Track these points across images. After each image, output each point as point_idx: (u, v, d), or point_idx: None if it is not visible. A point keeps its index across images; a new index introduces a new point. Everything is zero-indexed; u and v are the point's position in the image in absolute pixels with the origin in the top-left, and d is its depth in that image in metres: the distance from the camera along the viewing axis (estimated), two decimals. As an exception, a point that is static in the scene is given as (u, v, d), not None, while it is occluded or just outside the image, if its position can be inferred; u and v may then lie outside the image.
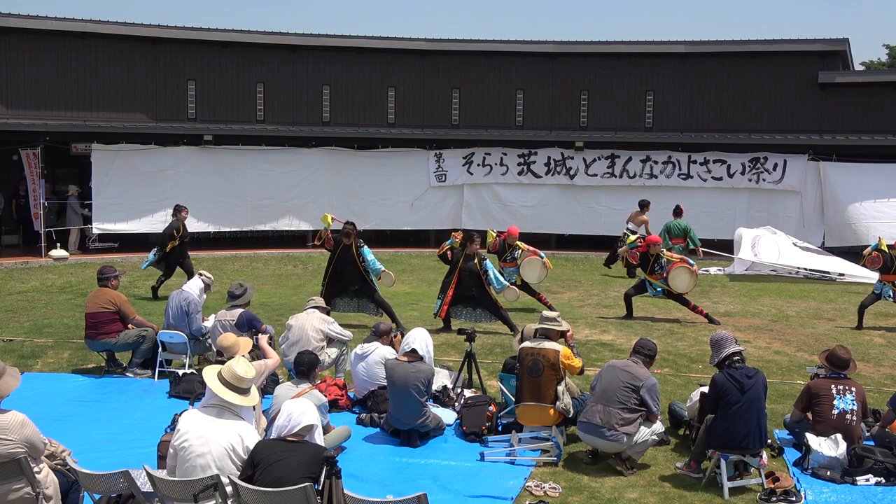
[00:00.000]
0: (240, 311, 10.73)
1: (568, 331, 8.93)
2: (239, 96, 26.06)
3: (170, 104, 25.54)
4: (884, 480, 7.65)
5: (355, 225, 14.08)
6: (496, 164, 25.28)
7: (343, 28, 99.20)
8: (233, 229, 24.68)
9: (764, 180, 24.11)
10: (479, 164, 25.31)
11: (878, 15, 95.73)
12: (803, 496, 7.32)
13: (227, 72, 26.01)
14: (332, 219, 14.11)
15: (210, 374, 6.42)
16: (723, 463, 7.44)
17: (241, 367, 6.43)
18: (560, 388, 8.41)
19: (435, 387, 9.38)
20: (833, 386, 8.26)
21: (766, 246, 20.38)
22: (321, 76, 26.57)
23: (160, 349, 11.02)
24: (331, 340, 10.48)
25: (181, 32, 25.58)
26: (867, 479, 7.65)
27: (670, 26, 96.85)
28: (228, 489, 5.85)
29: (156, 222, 23.08)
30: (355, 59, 26.65)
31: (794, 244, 20.61)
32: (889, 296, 14.61)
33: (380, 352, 9.64)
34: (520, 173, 25.26)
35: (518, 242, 15.42)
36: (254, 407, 6.96)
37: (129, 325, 11.16)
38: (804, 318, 15.43)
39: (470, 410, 8.94)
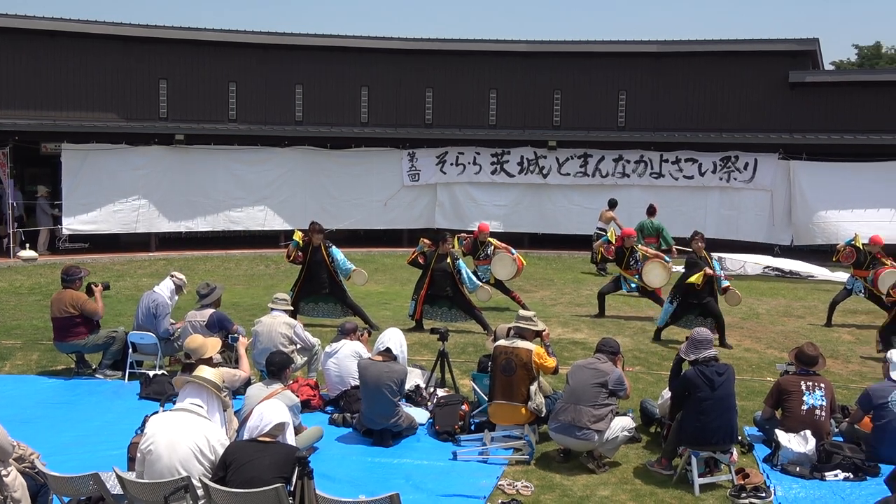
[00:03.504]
0: (210, 311, 10.67)
1: (544, 330, 8.95)
2: (211, 95, 25.92)
3: (141, 103, 25.35)
4: (852, 476, 7.73)
5: (321, 224, 14.08)
6: (469, 163, 25.32)
7: (316, 27, 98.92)
8: (204, 229, 24.53)
9: (735, 179, 24.30)
10: (452, 164, 25.33)
11: (847, 15, 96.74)
12: (773, 492, 7.38)
13: (198, 71, 25.86)
14: (303, 238, 14.01)
15: (180, 382, 6.48)
16: (693, 460, 7.50)
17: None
18: (532, 388, 8.43)
19: (408, 386, 9.39)
20: (802, 382, 8.34)
21: (740, 259, 20.85)
22: (294, 75, 26.47)
23: (130, 350, 10.93)
24: (298, 345, 10.41)
25: (152, 31, 25.40)
26: (836, 475, 7.74)
27: (643, 26, 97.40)
28: (200, 491, 5.83)
29: (127, 222, 22.98)
30: (328, 59, 26.57)
31: (768, 265, 20.87)
32: (860, 291, 14.81)
33: (350, 346, 9.65)
34: (493, 172, 25.30)
35: (490, 239, 15.46)
36: (225, 408, 6.94)
37: (98, 322, 11.08)
38: (774, 316, 15.56)
39: (443, 410, 8.96)
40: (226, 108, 26.12)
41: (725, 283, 13.26)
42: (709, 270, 12.89)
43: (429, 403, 9.52)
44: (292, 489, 5.61)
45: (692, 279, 12.85)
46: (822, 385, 8.37)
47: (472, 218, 24.17)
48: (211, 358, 8.02)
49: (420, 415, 9.16)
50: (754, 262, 20.82)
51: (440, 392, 9.84)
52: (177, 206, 23.55)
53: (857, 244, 14.94)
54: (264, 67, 26.31)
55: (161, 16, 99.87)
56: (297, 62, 26.45)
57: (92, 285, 11.17)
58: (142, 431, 6.92)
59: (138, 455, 6.18)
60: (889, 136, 24.15)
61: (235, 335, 10.21)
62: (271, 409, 6.33)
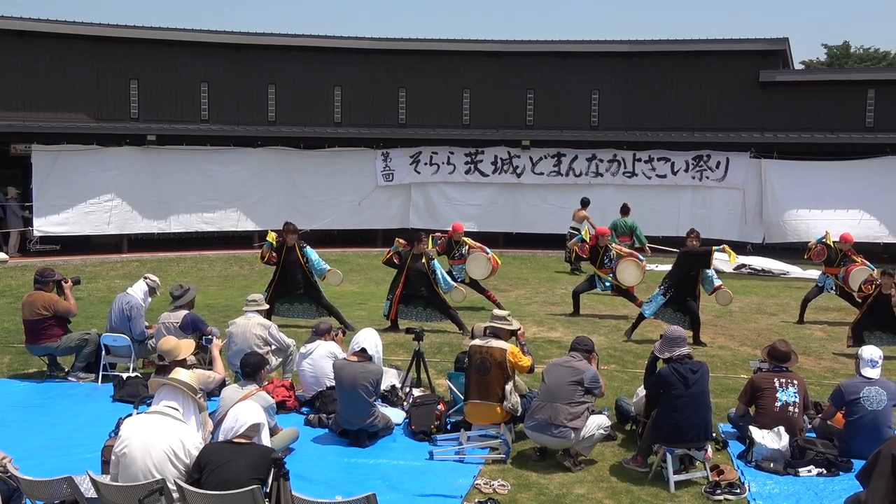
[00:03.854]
0: (184, 313, 10.61)
1: (519, 329, 8.97)
2: (183, 96, 25.74)
3: (112, 104, 25.13)
4: (825, 471, 7.80)
5: (295, 225, 14.04)
6: (443, 163, 25.33)
7: (288, 27, 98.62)
8: (178, 230, 24.39)
9: (707, 178, 24.47)
10: (426, 164, 25.34)
11: (816, 15, 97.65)
12: (747, 488, 7.44)
13: (170, 71, 25.67)
14: (276, 238, 13.94)
15: (155, 384, 6.43)
16: (668, 457, 7.54)
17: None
18: (508, 387, 8.44)
19: (383, 386, 9.38)
20: (776, 379, 8.41)
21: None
22: (266, 75, 26.33)
23: (103, 352, 10.84)
24: (272, 346, 10.38)
25: (123, 31, 25.18)
26: (809, 471, 7.81)
27: (615, 26, 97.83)
28: (175, 494, 5.79)
29: (98, 224, 22.79)
30: (301, 58, 26.47)
31: (741, 264, 20.98)
32: (832, 288, 14.96)
33: (325, 346, 9.63)
34: (467, 172, 25.33)
35: (464, 238, 15.48)
36: (200, 411, 6.91)
37: (70, 322, 10.98)
38: (747, 314, 15.68)
39: (419, 410, 8.96)
40: (198, 108, 25.96)
41: (718, 282, 13.40)
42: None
43: (405, 403, 9.51)
44: (268, 491, 5.59)
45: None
46: (795, 382, 8.44)
47: (446, 218, 24.16)
48: (185, 360, 7.98)
49: (396, 415, 9.15)
50: (725, 260, 20.91)
51: (416, 392, 9.84)
52: (149, 208, 23.40)
53: (828, 242, 15.09)
54: (236, 67, 26.18)
55: (132, 15, 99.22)
56: (269, 62, 26.32)
57: (62, 282, 11.07)
58: (116, 434, 6.87)
59: (112, 458, 6.14)
60: (858, 135, 24.43)
61: (209, 337, 10.15)
62: (246, 410, 6.30)
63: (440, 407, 8.99)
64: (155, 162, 23.54)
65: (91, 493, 6.03)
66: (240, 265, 21.62)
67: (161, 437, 6.05)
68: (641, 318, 13.37)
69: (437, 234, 16.10)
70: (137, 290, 11.33)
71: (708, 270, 13.36)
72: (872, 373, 8.37)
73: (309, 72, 26.53)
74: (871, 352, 8.58)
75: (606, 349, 12.48)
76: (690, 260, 13.33)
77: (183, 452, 6.03)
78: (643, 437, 8.02)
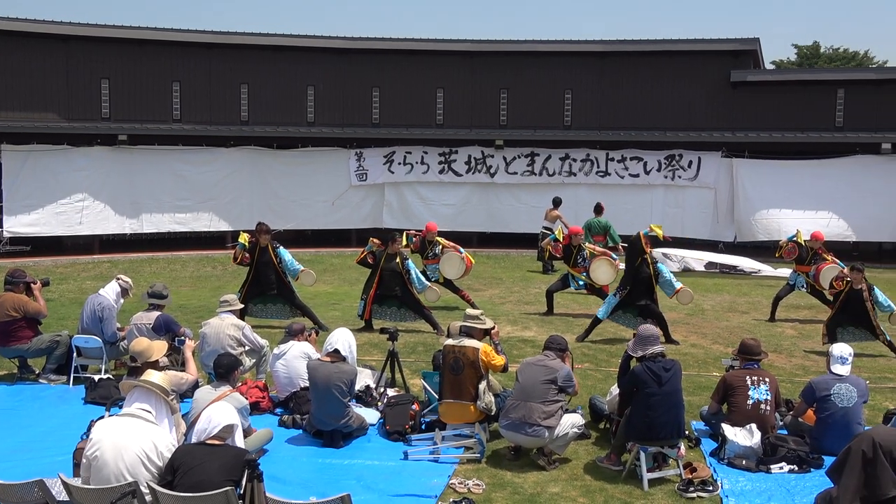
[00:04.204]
0: (157, 313, 10.55)
1: (492, 328, 8.99)
2: (154, 95, 25.56)
3: (83, 104, 24.94)
4: (797, 468, 7.87)
5: (268, 225, 13.99)
6: (417, 162, 25.32)
7: (260, 26, 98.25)
8: (150, 231, 24.22)
9: (679, 177, 24.63)
10: (399, 163, 25.32)
11: (786, 16, 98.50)
12: (720, 485, 7.50)
13: (141, 70, 25.48)
14: (249, 239, 13.87)
15: (127, 386, 6.39)
16: (642, 455, 7.58)
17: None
18: (481, 386, 8.46)
19: (358, 386, 9.36)
20: (748, 377, 8.48)
21: (681, 254, 21.10)
22: (239, 75, 26.21)
23: (75, 354, 10.75)
24: (246, 347, 10.33)
25: (93, 30, 24.97)
26: (781, 468, 7.88)
27: (588, 26, 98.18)
28: (147, 497, 5.76)
29: (70, 224, 22.61)
30: (274, 58, 26.37)
31: (711, 261, 21.14)
32: (803, 286, 15.10)
33: (298, 347, 9.61)
34: (441, 172, 25.34)
35: (438, 238, 15.48)
36: (173, 412, 6.87)
37: (41, 323, 10.88)
38: (719, 312, 15.80)
39: (393, 409, 8.95)
40: (170, 107, 25.79)
41: (679, 285, 13.42)
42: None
43: (379, 403, 9.50)
44: (242, 492, 5.56)
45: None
46: (767, 379, 8.52)
47: (420, 217, 24.14)
48: (157, 361, 7.93)
49: (370, 415, 9.14)
50: (697, 258, 21.11)
51: (390, 392, 9.83)
52: (121, 208, 23.24)
53: (800, 240, 15.22)
54: (209, 67, 26.04)
55: (103, 14, 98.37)
56: (241, 61, 26.20)
57: (31, 283, 10.97)
58: (87, 437, 6.82)
59: (84, 461, 6.09)
60: (828, 134, 24.70)
61: (182, 338, 10.10)
62: (219, 411, 6.28)
63: (414, 407, 8.99)
64: (127, 162, 23.38)
65: (63, 496, 5.99)
66: (213, 266, 21.52)
67: (134, 440, 6.01)
68: (597, 320, 13.38)
69: (411, 231, 16.09)
70: (109, 292, 11.25)
71: (665, 273, 13.39)
72: (842, 369, 8.46)
73: (282, 71, 26.43)
74: (841, 349, 8.66)
75: (580, 348, 12.54)
76: (630, 252, 13.42)
77: (156, 455, 5.99)
78: (617, 435, 8.06)
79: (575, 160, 25.02)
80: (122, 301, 11.48)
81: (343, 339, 8.86)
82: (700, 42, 26.99)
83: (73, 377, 10.70)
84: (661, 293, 13.52)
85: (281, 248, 13.76)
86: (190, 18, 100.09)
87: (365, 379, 9.98)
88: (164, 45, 25.57)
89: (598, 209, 20.32)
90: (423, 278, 13.95)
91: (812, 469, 7.86)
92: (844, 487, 4.45)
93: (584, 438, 8.63)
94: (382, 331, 10.49)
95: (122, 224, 23.52)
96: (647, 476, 7.52)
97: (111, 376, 10.48)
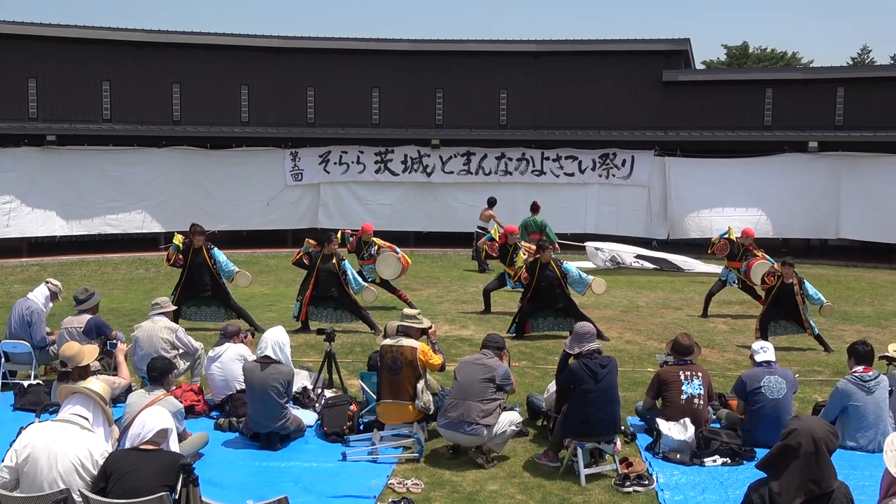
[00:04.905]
0: (87, 317, 10.33)
1: (430, 327, 8.99)
2: (83, 95, 25.07)
3: (9, 103, 24.34)
4: (729, 461, 8.01)
5: (202, 226, 13.81)
6: (353, 162, 25.23)
7: (194, 24, 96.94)
8: (80, 233, 23.75)
9: (613, 176, 24.94)
10: (335, 163, 25.21)
11: (716, 16, 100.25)
12: (655, 479, 7.59)
13: (70, 69, 24.98)
14: (183, 240, 13.67)
15: (65, 391, 6.26)
16: (579, 451, 7.64)
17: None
18: (419, 386, 8.46)
19: (295, 388, 9.29)
20: (681, 372, 8.61)
21: (612, 248, 21.31)
22: (171, 74, 25.84)
23: (2, 360, 10.48)
24: (180, 350, 10.18)
25: (20, 28, 24.40)
26: (714, 460, 8.01)
27: (523, 26, 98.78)
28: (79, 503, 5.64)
29: (-4, 227, 22.09)
30: (207, 57, 26.05)
31: (640, 254, 21.37)
32: (734, 282, 15.39)
33: (234, 349, 9.51)
34: (377, 171, 25.29)
35: (374, 238, 15.43)
36: (109, 423, 6.74)
37: None
38: (653, 308, 16.01)
39: (331, 411, 8.90)
40: (99, 107, 25.33)
41: (589, 279, 13.59)
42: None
43: (316, 405, 9.44)
44: (177, 497, 5.48)
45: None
46: (700, 374, 8.66)
47: (357, 217, 24.06)
48: (88, 365, 7.77)
49: (308, 416, 9.08)
50: (626, 252, 21.29)
51: (328, 393, 9.77)
52: (50, 210, 22.76)
53: (731, 237, 15.52)
54: (140, 66, 25.62)
55: (30, 12, 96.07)
56: (174, 60, 25.83)
57: None
58: (17, 444, 6.64)
59: (10, 464, 5.92)
60: (757, 133, 25.23)
61: (114, 341, 9.91)
62: (153, 415, 6.16)
63: (352, 407, 8.96)
64: (55, 163, 22.91)
65: (-9, 505, 5.84)
66: (145, 268, 21.18)
67: (68, 446, 5.87)
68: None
69: (347, 230, 16.02)
70: (38, 295, 10.99)
71: (572, 272, 13.55)
72: (766, 356, 8.66)
73: (215, 70, 26.13)
74: (758, 343, 9.13)
75: (517, 346, 12.60)
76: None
77: (90, 462, 5.86)
78: (554, 432, 8.11)
79: (511, 159, 25.17)
80: (51, 305, 11.22)
81: (273, 339, 8.71)
82: (633, 42, 27.35)
83: (2, 383, 10.43)
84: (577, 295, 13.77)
85: (215, 249, 13.60)
86: (123, 17, 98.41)
87: (302, 380, 9.91)
88: (94, 44, 25.12)
89: (535, 208, 20.45)
90: (359, 279, 13.89)
91: (745, 461, 8.00)
92: (788, 482, 4.51)
93: (522, 436, 8.67)
94: (319, 331, 10.44)
95: (51, 226, 23.03)
96: (584, 472, 7.59)
97: (41, 382, 10.22)
